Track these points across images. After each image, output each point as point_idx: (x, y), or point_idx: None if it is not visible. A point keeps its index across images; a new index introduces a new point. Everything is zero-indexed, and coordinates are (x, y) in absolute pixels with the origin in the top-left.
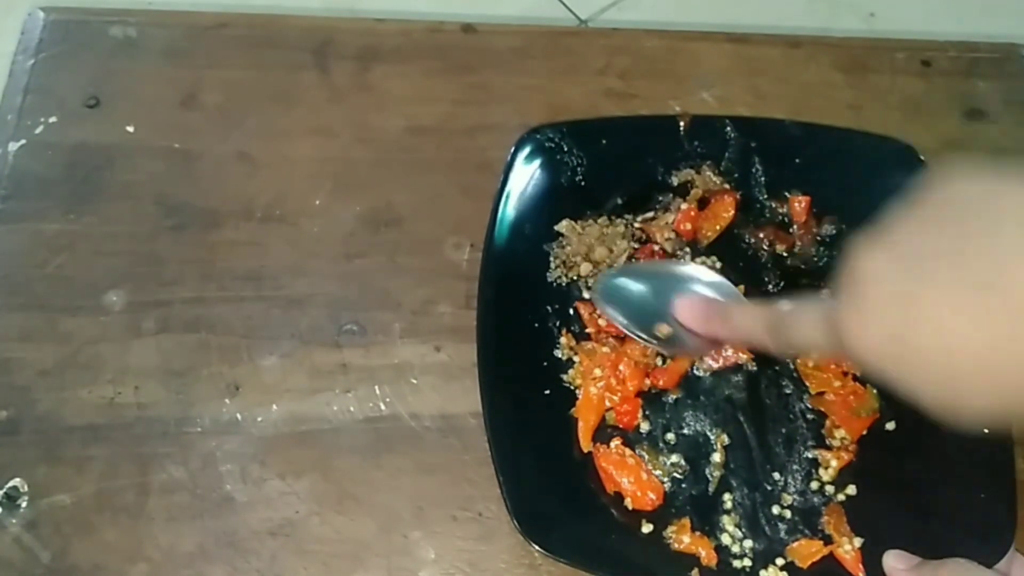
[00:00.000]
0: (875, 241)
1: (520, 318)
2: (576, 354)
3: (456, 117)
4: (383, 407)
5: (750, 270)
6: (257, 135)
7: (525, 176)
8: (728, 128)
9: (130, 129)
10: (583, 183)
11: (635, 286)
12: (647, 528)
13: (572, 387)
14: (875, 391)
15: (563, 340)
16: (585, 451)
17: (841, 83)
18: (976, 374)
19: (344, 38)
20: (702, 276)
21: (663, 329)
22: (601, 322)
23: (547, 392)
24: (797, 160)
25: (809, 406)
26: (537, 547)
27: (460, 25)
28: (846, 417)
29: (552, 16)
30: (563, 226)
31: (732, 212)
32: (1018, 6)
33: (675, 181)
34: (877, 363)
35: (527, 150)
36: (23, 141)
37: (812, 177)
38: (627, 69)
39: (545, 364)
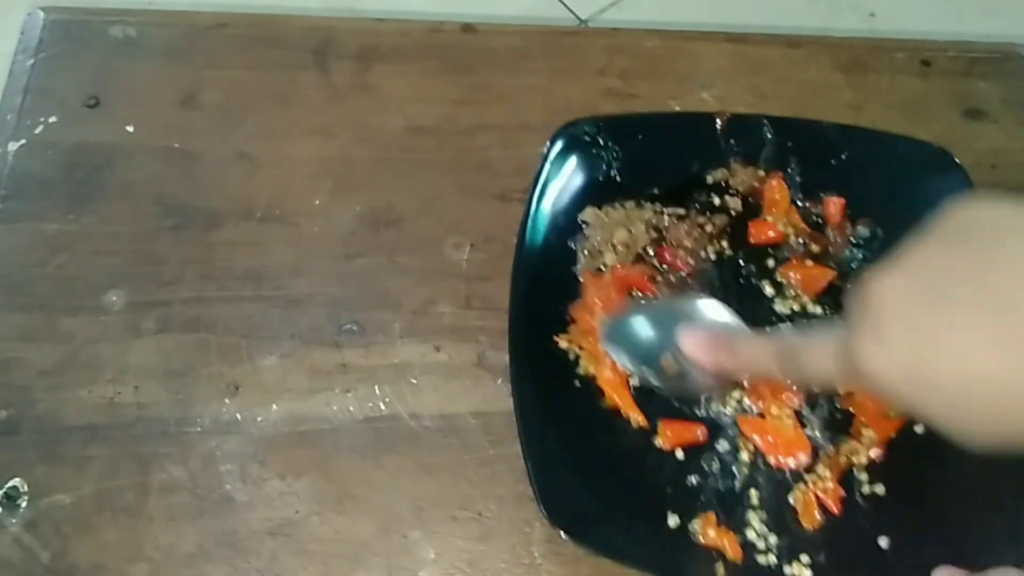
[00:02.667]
0: (890, 267)
1: (551, 310)
2: (577, 346)
3: (456, 117)
4: (383, 407)
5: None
6: (257, 135)
7: (560, 169)
8: (765, 128)
9: (130, 129)
10: (617, 178)
11: (640, 324)
12: (673, 521)
13: (591, 378)
14: None
15: (563, 344)
16: (645, 425)
17: (841, 83)
18: (994, 399)
19: (344, 38)
20: (709, 312)
21: (668, 362)
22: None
23: (576, 383)
24: (833, 162)
25: (837, 406)
26: (565, 534)
27: (460, 25)
28: (876, 417)
29: (552, 16)
30: (587, 214)
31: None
32: (1018, 6)
33: (710, 180)
34: (894, 389)
35: (562, 143)
36: (23, 141)
37: (848, 179)
38: (627, 69)
39: (573, 356)
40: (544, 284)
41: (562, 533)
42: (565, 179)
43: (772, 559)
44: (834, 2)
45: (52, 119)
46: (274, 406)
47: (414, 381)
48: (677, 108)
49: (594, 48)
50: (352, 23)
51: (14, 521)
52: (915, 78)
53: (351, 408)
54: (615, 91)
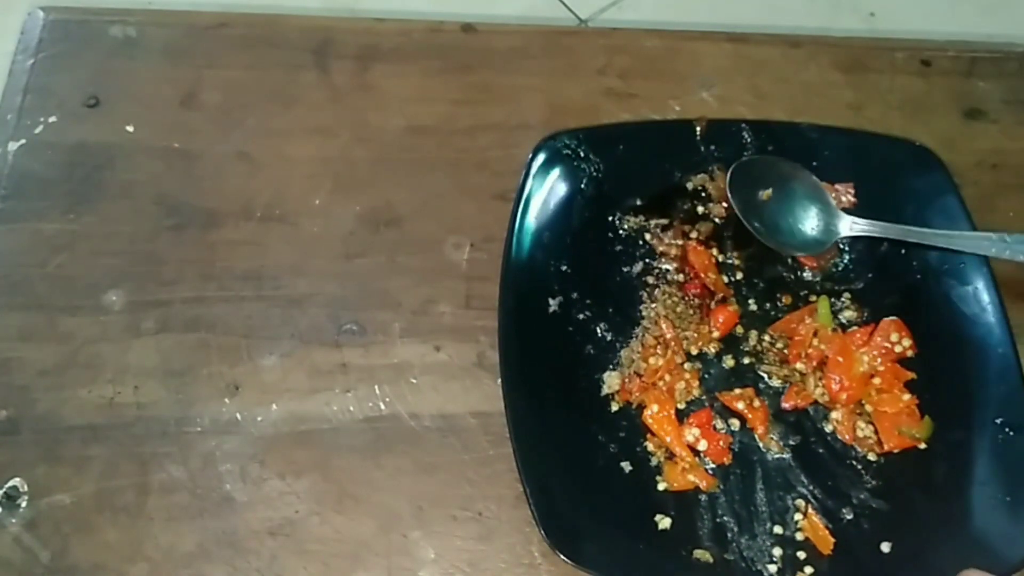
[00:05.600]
0: None
1: (539, 327)
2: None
3: (456, 117)
4: (383, 407)
5: (765, 272)
6: (257, 135)
7: (542, 183)
8: (745, 132)
9: (130, 129)
10: (600, 188)
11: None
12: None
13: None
14: (933, 423)
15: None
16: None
17: (841, 83)
18: None
19: (344, 38)
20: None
21: (767, 193)
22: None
23: (571, 399)
24: (815, 163)
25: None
26: (564, 557)
27: (460, 25)
28: (889, 428)
29: (552, 16)
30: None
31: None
32: (1018, 6)
33: (691, 187)
34: None
35: (543, 157)
36: (23, 141)
37: (830, 179)
38: (627, 69)
39: (570, 371)
40: (531, 299)
41: (560, 554)
42: (547, 193)
43: (775, 569)
44: (834, 2)
45: (52, 119)
46: (274, 406)
47: (414, 381)
48: (677, 108)
49: (594, 48)
50: (352, 23)
51: (14, 521)
52: (915, 78)
53: (351, 408)
54: (615, 91)
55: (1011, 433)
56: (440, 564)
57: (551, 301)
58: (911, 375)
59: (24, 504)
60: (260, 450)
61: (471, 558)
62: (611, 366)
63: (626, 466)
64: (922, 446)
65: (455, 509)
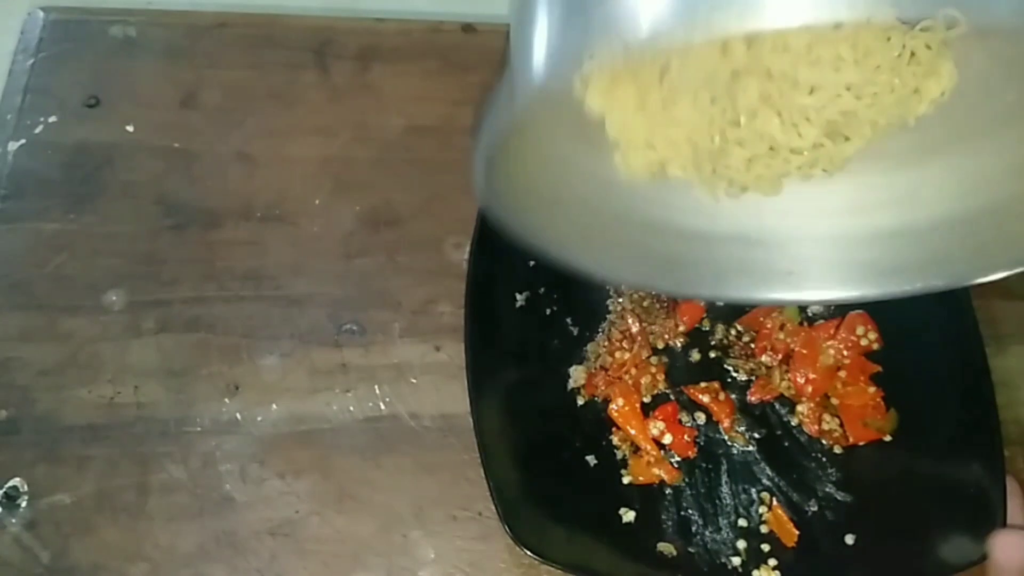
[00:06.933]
0: None
1: (506, 321)
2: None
3: (456, 117)
4: (383, 407)
5: None
6: (257, 135)
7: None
8: None
9: (130, 129)
10: None
11: None
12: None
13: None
14: (897, 415)
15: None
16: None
17: None
18: None
19: (344, 38)
20: None
21: None
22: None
23: (537, 393)
24: None
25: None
26: (528, 551)
27: (460, 25)
28: (855, 422)
29: None
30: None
31: None
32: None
33: None
34: None
35: None
36: (23, 141)
37: None
38: None
39: (536, 365)
40: (498, 294)
41: (525, 550)
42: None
43: (738, 561)
44: None
45: (52, 119)
46: (274, 406)
47: (414, 381)
48: None
49: None
50: (352, 23)
51: (14, 521)
52: None
53: (351, 408)
54: None
55: (974, 426)
56: (440, 564)
57: (518, 296)
58: (877, 368)
59: (24, 504)
60: (260, 450)
61: (471, 558)
62: (577, 360)
63: (591, 459)
64: (887, 439)
65: (455, 509)
